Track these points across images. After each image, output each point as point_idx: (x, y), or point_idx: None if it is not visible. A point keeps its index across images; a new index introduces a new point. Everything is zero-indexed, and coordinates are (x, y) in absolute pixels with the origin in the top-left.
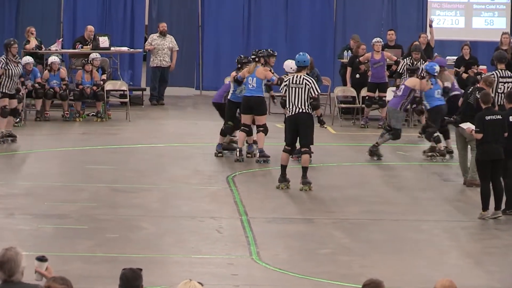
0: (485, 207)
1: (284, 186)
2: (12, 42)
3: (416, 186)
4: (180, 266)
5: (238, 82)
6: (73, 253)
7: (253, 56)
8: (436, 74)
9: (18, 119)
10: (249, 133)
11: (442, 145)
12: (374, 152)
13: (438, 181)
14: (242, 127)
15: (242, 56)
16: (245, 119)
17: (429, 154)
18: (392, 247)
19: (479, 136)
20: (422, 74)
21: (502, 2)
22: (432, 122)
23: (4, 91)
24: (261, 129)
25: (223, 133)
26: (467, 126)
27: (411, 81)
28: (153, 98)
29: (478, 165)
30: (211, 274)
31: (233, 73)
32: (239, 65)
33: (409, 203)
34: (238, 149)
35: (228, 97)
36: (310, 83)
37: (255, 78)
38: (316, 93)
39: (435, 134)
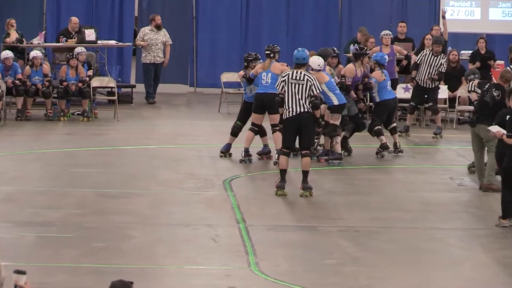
0: (505, 215)
1: (284, 193)
2: None
3: (429, 191)
4: (174, 278)
5: (249, 80)
6: (57, 264)
7: (267, 52)
8: (386, 64)
9: None
10: (257, 133)
11: (383, 138)
12: (343, 147)
13: (452, 185)
14: (251, 126)
15: (251, 53)
16: (256, 118)
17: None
18: (403, 257)
19: (511, 141)
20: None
21: None
22: (377, 116)
23: None
24: (278, 128)
25: (233, 133)
26: (497, 129)
27: (346, 68)
28: (149, 96)
29: (507, 173)
30: (207, 286)
31: (241, 72)
32: (246, 64)
33: (421, 209)
34: (243, 149)
35: (244, 98)
36: (312, 79)
37: (270, 74)
38: (318, 91)
39: (376, 127)
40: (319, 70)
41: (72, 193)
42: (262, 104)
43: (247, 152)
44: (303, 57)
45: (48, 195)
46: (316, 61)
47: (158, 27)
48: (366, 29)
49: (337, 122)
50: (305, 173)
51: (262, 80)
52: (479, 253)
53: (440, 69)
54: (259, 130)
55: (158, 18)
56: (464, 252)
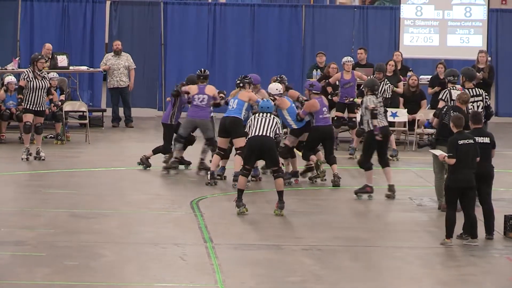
0: (449, 234)
1: (245, 210)
2: (40, 57)
3: (389, 211)
4: None
5: (216, 105)
6: (30, 282)
7: (237, 82)
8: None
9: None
10: (224, 157)
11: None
12: (200, 168)
13: (412, 205)
14: (217, 150)
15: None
16: (221, 142)
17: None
18: (364, 275)
19: (452, 161)
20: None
21: (478, 19)
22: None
23: (27, 106)
24: (239, 151)
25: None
26: (440, 153)
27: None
28: (114, 120)
29: (447, 192)
30: None
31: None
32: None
33: (381, 229)
34: (209, 172)
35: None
36: (278, 122)
37: (236, 100)
38: (281, 132)
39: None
40: (277, 95)
41: (44, 213)
42: (224, 127)
43: (212, 175)
44: (267, 106)
45: (22, 215)
46: (273, 86)
47: (116, 52)
48: (325, 54)
49: (291, 145)
50: (280, 193)
51: (229, 106)
52: (438, 271)
53: (383, 95)
54: (224, 154)
55: (116, 44)
56: (423, 270)
